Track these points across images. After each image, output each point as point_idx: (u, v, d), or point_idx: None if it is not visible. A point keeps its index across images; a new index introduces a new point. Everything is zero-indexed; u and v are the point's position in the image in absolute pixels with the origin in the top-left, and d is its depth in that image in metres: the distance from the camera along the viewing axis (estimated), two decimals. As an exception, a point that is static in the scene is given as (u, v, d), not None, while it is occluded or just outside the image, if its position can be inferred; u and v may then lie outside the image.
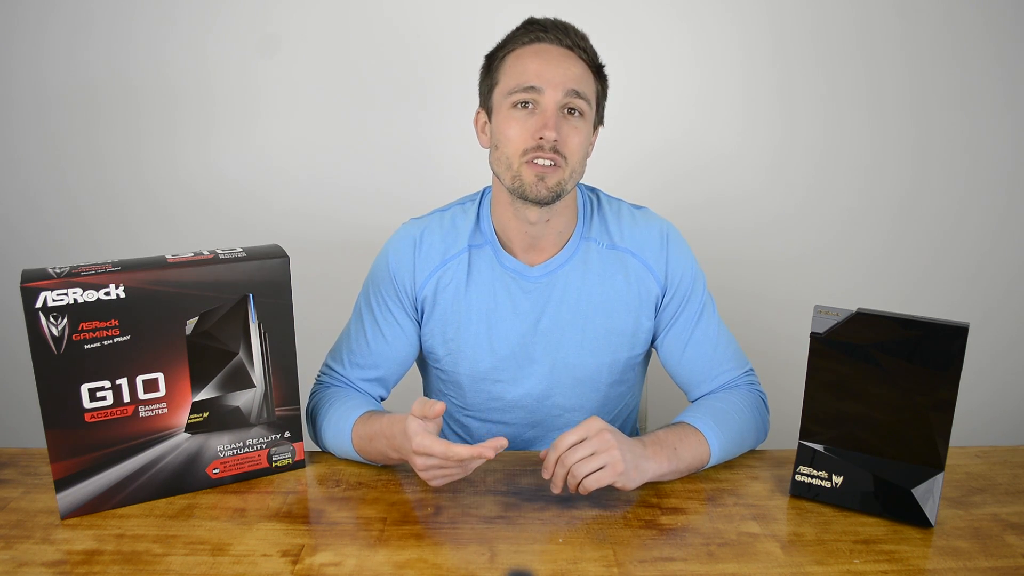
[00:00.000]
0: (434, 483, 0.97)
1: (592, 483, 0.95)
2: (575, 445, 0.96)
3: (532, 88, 1.06)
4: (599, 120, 1.15)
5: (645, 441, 1.02)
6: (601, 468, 0.95)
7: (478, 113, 1.16)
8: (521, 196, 1.08)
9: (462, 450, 0.91)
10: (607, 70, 1.14)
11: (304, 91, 1.80)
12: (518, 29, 1.11)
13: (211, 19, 1.75)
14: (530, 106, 1.07)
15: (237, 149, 1.83)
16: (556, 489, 0.98)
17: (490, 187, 1.19)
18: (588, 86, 1.09)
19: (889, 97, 1.81)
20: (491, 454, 0.92)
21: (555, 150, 1.05)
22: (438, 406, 0.94)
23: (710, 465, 1.07)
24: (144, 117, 1.80)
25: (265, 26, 1.76)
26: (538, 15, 1.12)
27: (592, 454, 0.95)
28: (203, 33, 1.76)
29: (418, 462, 0.95)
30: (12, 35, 1.75)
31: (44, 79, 1.77)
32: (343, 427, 1.08)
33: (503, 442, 0.92)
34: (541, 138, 1.04)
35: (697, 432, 1.06)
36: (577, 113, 1.08)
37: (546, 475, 0.98)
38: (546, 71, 1.06)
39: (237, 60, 1.77)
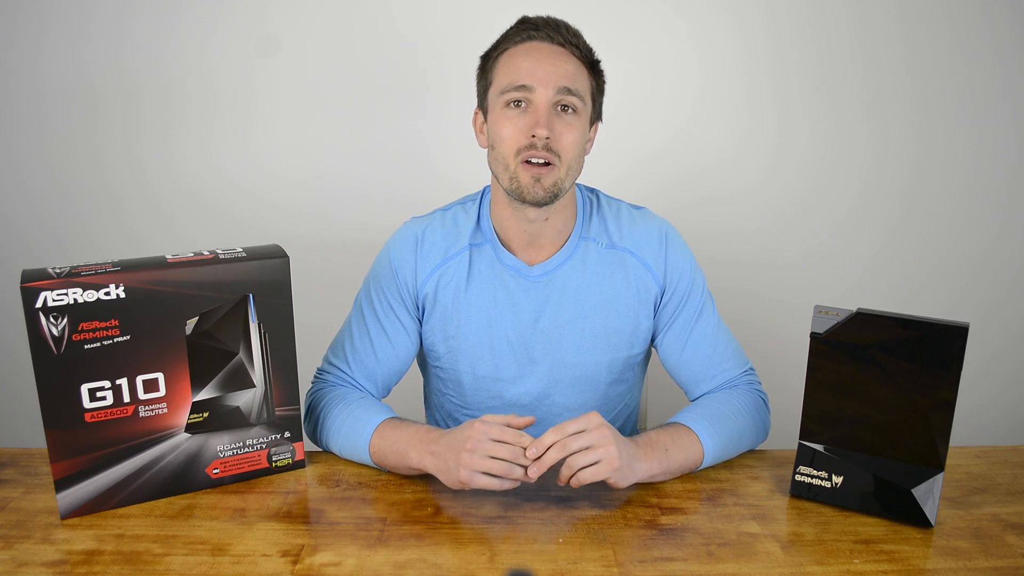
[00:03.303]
0: (472, 467, 0.93)
1: (587, 476, 0.94)
2: (575, 434, 0.95)
3: (524, 87, 1.06)
4: (597, 116, 1.15)
5: (638, 441, 1.02)
6: (597, 463, 0.94)
7: (476, 113, 1.17)
8: (519, 198, 1.08)
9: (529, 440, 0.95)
10: (605, 66, 1.14)
11: (304, 91, 1.80)
12: (511, 28, 1.12)
13: (212, 19, 1.75)
14: (523, 104, 1.07)
15: (237, 149, 1.83)
16: (534, 472, 0.94)
17: (490, 186, 1.19)
18: (581, 83, 1.09)
19: (889, 96, 1.81)
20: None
21: (548, 148, 1.05)
22: (526, 418, 0.98)
23: (704, 466, 1.07)
24: (144, 117, 1.80)
25: (266, 26, 1.76)
26: (534, 13, 1.12)
27: (589, 447, 0.94)
28: (204, 33, 1.76)
29: (478, 430, 0.94)
30: (12, 34, 1.75)
31: (44, 78, 1.77)
32: (361, 428, 1.07)
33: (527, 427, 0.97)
34: (533, 136, 1.05)
35: (690, 433, 1.06)
36: (571, 110, 1.08)
37: (533, 453, 0.93)
38: (537, 69, 1.06)
39: (237, 60, 1.77)
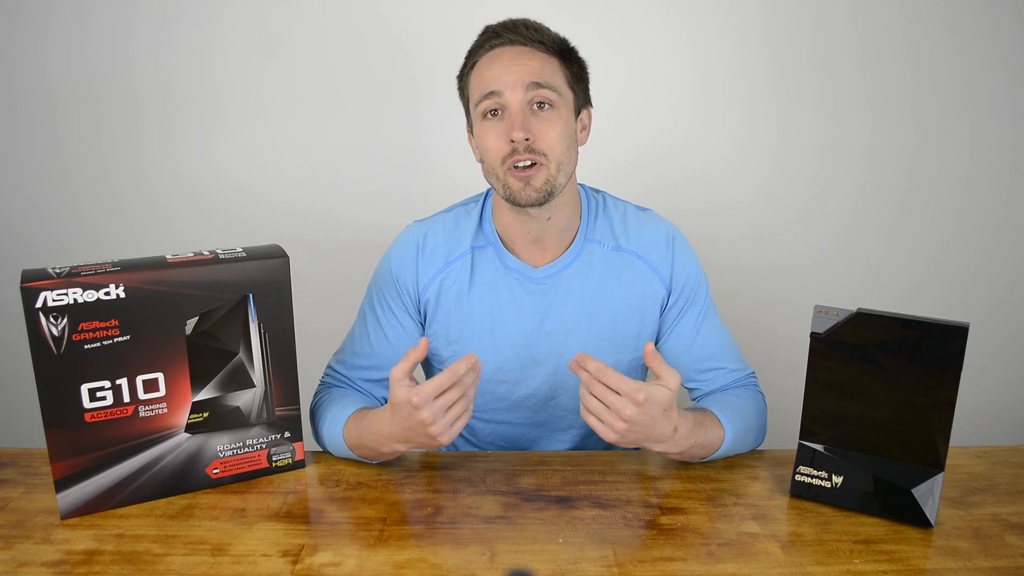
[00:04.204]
0: (447, 431, 0.93)
1: (589, 420, 0.93)
2: (611, 392, 0.92)
3: (493, 93, 1.06)
4: (583, 102, 1.14)
5: (679, 426, 0.97)
6: (601, 422, 0.92)
7: (469, 132, 1.17)
8: (513, 203, 1.08)
9: (456, 365, 0.91)
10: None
11: (305, 91, 1.80)
12: (475, 41, 1.12)
13: (212, 19, 1.75)
14: (499, 112, 1.07)
15: (238, 149, 1.83)
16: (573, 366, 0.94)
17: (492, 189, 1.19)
18: (551, 74, 1.08)
19: (889, 98, 1.81)
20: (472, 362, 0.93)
21: (532, 149, 1.05)
22: (421, 344, 0.95)
23: (712, 458, 1.07)
24: (145, 117, 1.80)
25: (267, 26, 1.76)
26: (532, 17, 1.11)
27: (608, 407, 0.92)
28: (204, 33, 1.76)
29: (424, 415, 0.92)
30: (13, 34, 1.75)
31: (45, 78, 1.77)
32: (337, 423, 1.08)
33: (473, 359, 0.93)
34: (512, 141, 1.05)
35: (719, 428, 1.05)
36: (547, 105, 1.07)
37: (573, 362, 0.94)
38: (502, 73, 1.06)
39: (238, 60, 1.77)
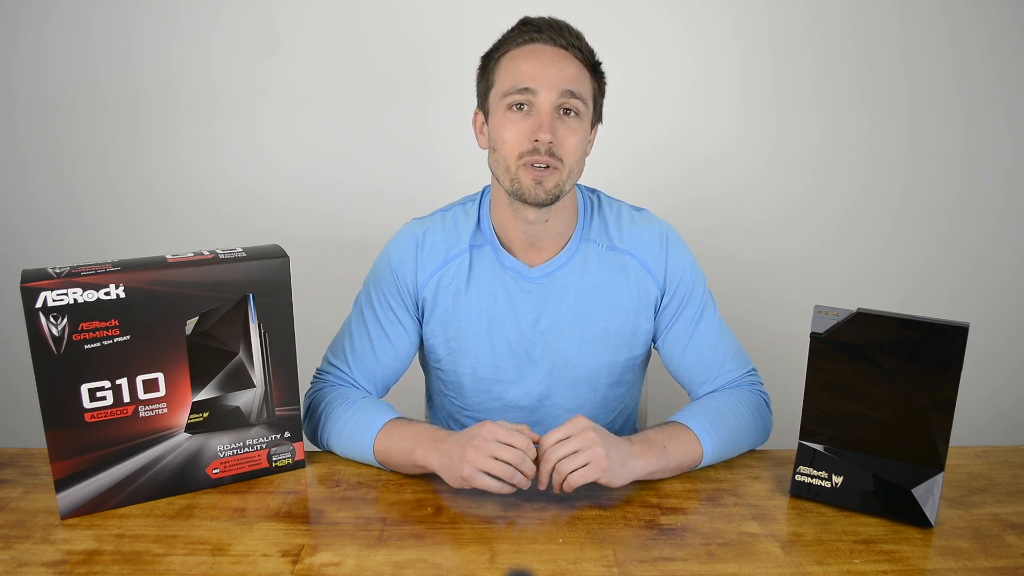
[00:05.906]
0: (479, 460, 0.94)
1: (577, 479, 0.95)
2: (560, 442, 0.96)
3: (527, 89, 1.05)
4: (597, 118, 1.15)
5: (633, 439, 1.02)
6: (585, 465, 0.95)
7: (476, 114, 1.16)
8: (520, 199, 1.08)
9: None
10: (603, 67, 1.14)
11: (306, 90, 1.80)
12: (512, 29, 1.11)
13: (214, 18, 1.75)
14: (525, 107, 1.06)
15: (239, 148, 1.83)
16: (542, 486, 0.98)
17: (490, 186, 1.19)
18: (584, 85, 1.08)
19: (886, 94, 1.81)
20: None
21: (551, 152, 1.05)
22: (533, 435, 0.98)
23: (704, 464, 1.07)
24: (146, 116, 1.80)
25: (268, 25, 1.76)
26: (534, 14, 1.11)
27: (576, 451, 0.95)
28: (206, 32, 1.76)
29: (486, 428, 0.95)
30: (15, 33, 1.75)
31: (46, 77, 1.77)
32: (366, 428, 1.07)
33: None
34: (536, 140, 1.04)
35: (688, 431, 1.06)
36: (573, 113, 1.07)
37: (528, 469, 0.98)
38: (540, 72, 1.05)
39: (240, 59, 1.77)
